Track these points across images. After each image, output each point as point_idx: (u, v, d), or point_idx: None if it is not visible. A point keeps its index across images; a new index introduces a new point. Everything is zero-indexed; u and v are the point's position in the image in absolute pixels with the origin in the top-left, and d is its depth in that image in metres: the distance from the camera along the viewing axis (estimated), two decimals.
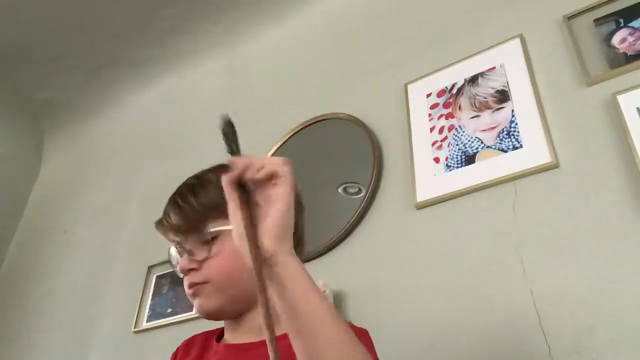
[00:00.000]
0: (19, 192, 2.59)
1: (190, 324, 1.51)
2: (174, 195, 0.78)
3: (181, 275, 0.76)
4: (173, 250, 0.78)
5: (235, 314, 0.75)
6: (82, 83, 2.35)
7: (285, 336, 0.68)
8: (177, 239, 0.76)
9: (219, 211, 0.72)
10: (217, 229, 0.73)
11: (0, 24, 2.04)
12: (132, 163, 2.27)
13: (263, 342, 0.69)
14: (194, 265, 0.73)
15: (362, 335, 0.70)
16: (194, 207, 0.74)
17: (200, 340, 0.81)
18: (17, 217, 2.54)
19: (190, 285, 0.74)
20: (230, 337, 0.76)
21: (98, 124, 2.56)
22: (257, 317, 0.72)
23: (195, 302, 0.74)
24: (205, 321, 0.78)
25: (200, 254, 0.73)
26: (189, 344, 0.83)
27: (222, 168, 0.77)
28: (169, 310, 1.62)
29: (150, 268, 1.76)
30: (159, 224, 0.79)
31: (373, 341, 0.71)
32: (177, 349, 0.84)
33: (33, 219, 2.52)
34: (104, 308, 1.83)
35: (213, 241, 0.73)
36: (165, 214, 0.78)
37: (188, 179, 0.80)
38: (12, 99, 2.43)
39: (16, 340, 2.04)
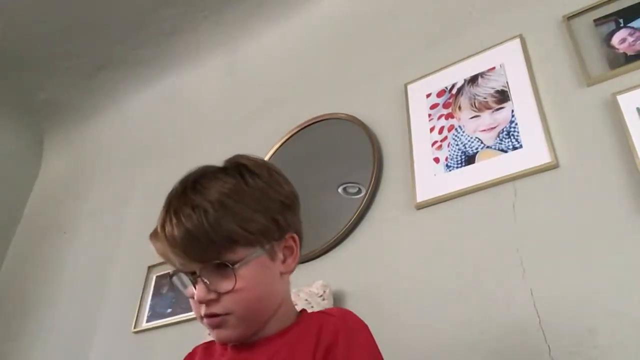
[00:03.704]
0: (19, 192, 2.59)
1: (190, 324, 1.51)
2: (180, 216, 0.68)
3: (189, 297, 0.72)
4: (184, 277, 0.71)
5: (254, 334, 0.72)
6: (82, 83, 2.35)
7: (284, 332, 0.71)
8: (187, 267, 0.70)
9: (235, 241, 0.68)
10: (241, 261, 0.68)
11: (0, 24, 2.04)
12: (132, 163, 2.26)
13: (271, 338, 0.70)
14: (213, 297, 0.68)
15: (360, 333, 0.70)
16: (210, 237, 0.67)
17: (201, 350, 0.81)
18: (17, 217, 2.54)
19: (210, 316, 0.69)
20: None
21: (98, 124, 2.56)
22: (270, 325, 0.72)
23: (217, 332, 0.70)
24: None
25: (221, 286, 0.68)
26: (191, 355, 0.82)
27: (235, 179, 0.72)
28: (169, 310, 1.62)
29: (150, 268, 1.76)
30: (159, 241, 0.72)
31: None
32: None
33: (33, 219, 2.52)
34: (104, 308, 1.83)
35: (232, 271, 0.68)
36: (169, 234, 0.69)
37: (194, 196, 0.70)
38: (12, 99, 2.43)
39: (16, 341, 2.04)
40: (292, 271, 0.77)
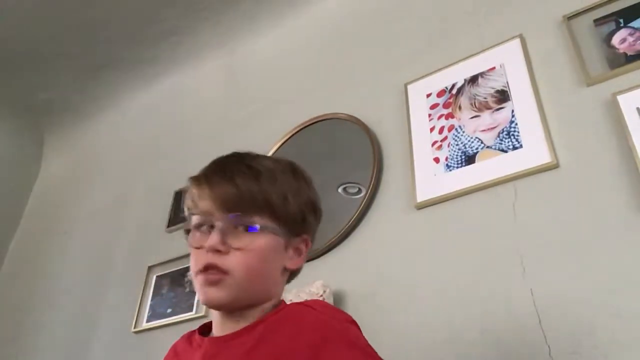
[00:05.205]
0: (19, 192, 2.59)
1: (190, 324, 1.51)
2: (230, 169, 0.73)
3: (192, 247, 0.72)
4: (196, 232, 0.73)
5: (239, 308, 0.72)
6: (82, 83, 2.35)
7: (260, 321, 0.69)
8: (211, 216, 0.71)
9: (270, 208, 0.72)
10: (264, 227, 0.71)
11: (0, 24, 2.04)
12: (132, 163, 2.27)
13: (244, 330, 0.69)
14: (223, 248, 0.69)
15: (350, 330, 0.68)
16: (253, 195, 0.71)
17: (182, 342, 0.79)
18: (17, 217, 2.54)
19: (209, 267, 0.69)
20: (217, 330, 0.74)
21: (98, 124, 2.56)
22: (254, 312, 0.71)
23: (208, 290, 0.69)
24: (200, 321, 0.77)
25: (236, 242, 0.70)
26: (174, 350, 0.80)
27: (287, 165, 0.78)
28: (169, 310, 1.62)
29: (150, 268, 1.76)
30: (199, 185, 0.74)
31: (369, 339, 0.69)
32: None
33: (33, 219, 2.52)
34: (104, 308, 1.83)
35: (250, 233, 0.70)
36: (212, 182, 0.72)
37: (249, 160, 0.75)
38: (12, 99, 2.43)
39: (16, 340, 2.04)
40: (292, 270, 0.78)
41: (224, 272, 0.69)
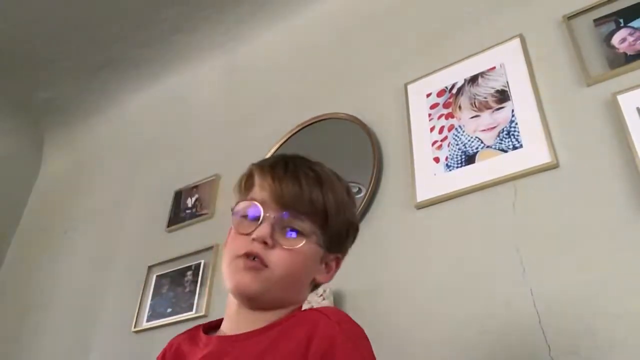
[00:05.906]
0: (19, 192, 2.59)
1: (190, 324, 1.51)
2: (294, 166, 0.73)
3: (237, 233, 0.72)
4: (243, 220, 0.72)
5: (262, 307, 0.71)
6: (82, 83, 2.35)
7: (272, 325, 0.69)
8: (270, 203, 0.71)
9: (322, 216, 0.72)
10: (310, 234, 0.72)
11: (0, 24, 2.04)
12: (132, 163, 2.26)
13: (259, 331, 0.68)
14: (270, 242, 0.69)
15: (360, 341, 0.67)
16: (313, 199, 0.71)
17: (183, 340, 0.77)
18: (17, 217, 2.54)
19: (252, 255, 0.69)
20: (230, 327, 0.73)
21: (98, 124, 2.56)
22: (273, 315, 0.71)
23: (244, 275, 0.69)
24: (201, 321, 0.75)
25: (285, 240, 0.70)
26: (174, 350, 0.77)
27: (341, 178, 0.79)
28: (169, 310, 1.62)
29: (150, 268, 1.76)
30: (262, 174, 0.74)
31: (370, 342, 0.68)
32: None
33: (33, 219, 2.52)
34: (104, 308, 1.83)
35: (296, 237, 0.71)
36: (275, 174, 0.72)
37: (311, 162, 0.76)
38: (12, 99, 2.43)
39: (16, 341, 2.04)
40: (318, 284, 0.79)
41: (264, 264, 0.69)
